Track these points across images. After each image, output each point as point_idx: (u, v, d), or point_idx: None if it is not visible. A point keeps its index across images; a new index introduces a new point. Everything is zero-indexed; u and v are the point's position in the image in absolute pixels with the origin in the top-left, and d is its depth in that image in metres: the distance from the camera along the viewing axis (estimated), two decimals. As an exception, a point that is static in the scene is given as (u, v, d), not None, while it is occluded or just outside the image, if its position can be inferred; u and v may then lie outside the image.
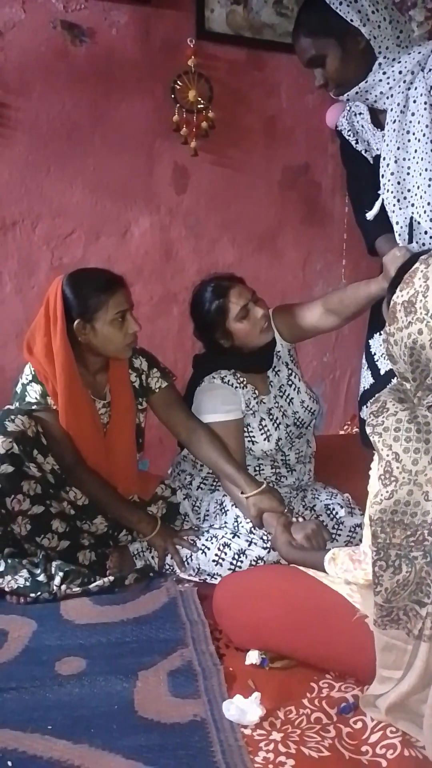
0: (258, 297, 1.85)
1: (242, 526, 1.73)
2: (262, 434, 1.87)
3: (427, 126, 1.62)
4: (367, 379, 1.94)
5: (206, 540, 1.73)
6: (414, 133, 1.65)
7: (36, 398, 1.73)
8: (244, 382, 1.87)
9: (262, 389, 1.90)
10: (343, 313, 1.83)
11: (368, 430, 1.12)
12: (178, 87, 2.34)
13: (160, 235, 2.46)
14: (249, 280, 2.28)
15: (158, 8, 2.30)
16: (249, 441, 1.88)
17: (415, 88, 1.63)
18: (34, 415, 1.71)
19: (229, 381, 1.86)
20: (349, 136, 1.84)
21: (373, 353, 1.92)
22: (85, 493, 1.78)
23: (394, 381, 1.20)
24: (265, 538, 1.68)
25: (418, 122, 1.63)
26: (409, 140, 1.66)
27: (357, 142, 1.83)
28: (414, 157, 1.66)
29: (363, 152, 1.82)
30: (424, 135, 1.62)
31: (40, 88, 2.23)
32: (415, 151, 1.65)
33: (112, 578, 1.66)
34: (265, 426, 1.87)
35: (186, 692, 1.25)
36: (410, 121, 1.65)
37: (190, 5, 2.33)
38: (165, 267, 2.48)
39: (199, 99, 2.34)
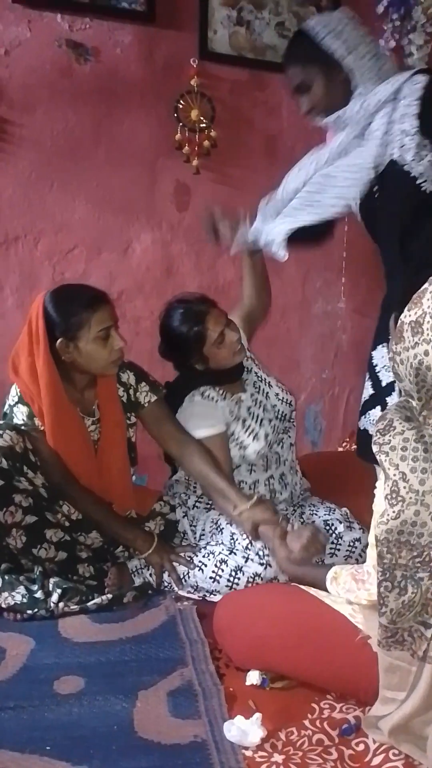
0: (230, 320, 1.88)
1: (239, 543, 1.72)
2: (249, 435, 1.88)
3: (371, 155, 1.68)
4: (367, 390, 1.96)
5: (203, 557, 1.72)
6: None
7: (23, 420, 1.71)
8: (223, 393, 1.90)
9: (238, 390, 1.95)
10: (252, 289, 2.07)
11: (375, 448, 1.12)
12: (180, 106, 2.37)
13: (161, 252, 2.47)
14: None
15: (162, 29, 2.34)
16: (240, 448, 1.88)
17: (380, 117, 1.68)
18: (22, 431, 1.69)
19: (209, 395, 1.88)
20: None
21: (375, 364, 1.94)
22: (80, 511, 1.76)
23: (399, 398, 1.20)
24: (261, 554, 1.67)
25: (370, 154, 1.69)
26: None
27: None
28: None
29: None
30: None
31: (45, 106, 2.26)
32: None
33: (110, 596, 1.65)
34: (249, 426, 1.89)
35: (186, 713, 1.23)
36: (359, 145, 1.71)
37: (194, 26, 2.37)
38: (166, 283, 2.49)
39: (202, 118, 2.37)
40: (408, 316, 1.10)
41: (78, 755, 1.12)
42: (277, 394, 1.98)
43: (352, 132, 1.71)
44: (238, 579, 1.66)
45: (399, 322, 1.12)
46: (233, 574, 1.66)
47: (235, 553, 1.69)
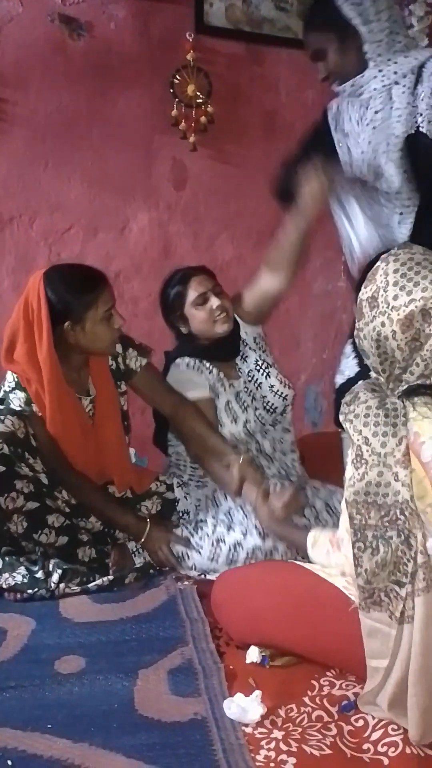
0: (221, 290, 1.91)
1: (236, 517, 1.73)
2: (228, 417, 1.89)
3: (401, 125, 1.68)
4: (353, 368, 1.97)
5: (199, 539, 1.72)
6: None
7: (20, 406, 1.69)
8: (210, 368, 1.91)
9: (231, 375, 1.95)
10: (284, 263, 1.93)
11: (341, 418, 1.19)
12: (176, 81, 2.33)
13: (158, 231, 2.45)
14: (248, 276, 2.27)
15: (157, 2, 2.30)
16: (218, 426, 1.89)
17: (402, 92, 1.68)
18: (23, 416, 1.67)
19: (191, 365, 1.90)
20: (332, 122, 1.86)
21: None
22: (76, 497, 1.75)
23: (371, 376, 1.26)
24: (259, 526, 1.68)
25: (397, 121, 1.69)
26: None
27: (335, 130, 1.84)
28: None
29: (336, 143, 1.84)
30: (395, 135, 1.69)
31: (38, 83, 2.22)
32: (387, 144, 1.72)
33: (111, 577, 1.65)
34: (232, 408, 1.90)
35: (186, 691, 1.24)
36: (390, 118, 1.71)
37: (189, -1, 2.33)
38: (164, 263, 2.47)
39: (198, 93, 2.34)
40: (365, 293, 1.18)
41: (79, 733, 1.12)
42: (272, 386, 1.96)
43: (374, 106, 1.71)
44: (237, 555, 1.67)
45: (358, 300, 1.19)
46: (231, 550, 1.68)
47: (233, 530, 1.70)
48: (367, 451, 1.14)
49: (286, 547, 1.64)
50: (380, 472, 1.13)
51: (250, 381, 1.95)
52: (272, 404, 1.95)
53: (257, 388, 1.95)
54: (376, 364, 1.19)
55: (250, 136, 2.51)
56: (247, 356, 1.98)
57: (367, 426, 1.15)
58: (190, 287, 1.87)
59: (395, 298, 1.13)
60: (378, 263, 1.18)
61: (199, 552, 1.71)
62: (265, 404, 1.94)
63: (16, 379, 1.70)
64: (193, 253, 2.50)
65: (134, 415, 2.00)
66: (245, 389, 1.94)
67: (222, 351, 1.93)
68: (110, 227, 2.39)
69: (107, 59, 2.29)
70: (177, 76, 2.33)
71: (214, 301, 1.86)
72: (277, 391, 1.95)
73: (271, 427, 1.97)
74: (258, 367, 1.97)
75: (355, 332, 1.21)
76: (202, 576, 1.71)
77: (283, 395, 1.96)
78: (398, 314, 1.12)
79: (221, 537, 1.70)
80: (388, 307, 1.14)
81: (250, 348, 1.99)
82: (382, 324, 1.15)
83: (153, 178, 2.41)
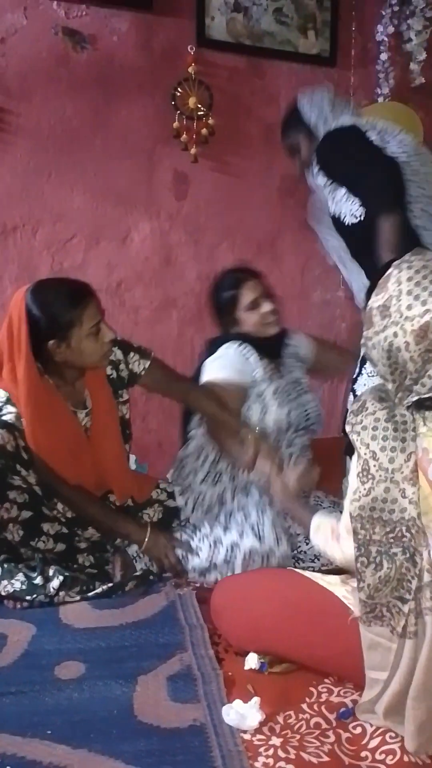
0: (271, 293, 2.03)
1: (234, 519, 1.76)
2: (276, 399, 1.95)
3: None
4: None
5: (198, 541, 1.74)
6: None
7: (11, 420, 1.65)
8: (261, 359, 1.97)
9: (275, 372, 2.02)
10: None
11: (348, 428, 1.16)
12: (178, 94, 2.36)
13: (160, 241, 2.47)
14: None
15: (159, 16, 2.33)
16: (262, 409, 1.93)
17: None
18: (13, 428, 1.63)
19: (244, 351, 1.96)
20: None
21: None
22: (72, 511, 1.73)
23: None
24: (255, 528, 1.70)
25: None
26: None
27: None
28: None
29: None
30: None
31: (42, 94, 2.25)
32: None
33: (110, 584, 1.65)
34: (280, 395, 1.96)
35: (185, 697, 1.24)
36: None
37: (191, 13, 2.36)
38: (165, 272, 2.49)
39: (199, 106, 2.37)
40: (375, 301, 1.13)
41: (78, 739, 1.13)
42: (311, 400, 2.06)
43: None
44: (234, 556, 1.68)
45: (367, 308, 1.15)
46: (228, 551, 1.69)
47: (230, 530, 1.71)
48: (374, 466, 1.10)
49: (293, 521, 1.65)
50: (387, 488, 1.10)
51: (293, 387, 2.03)
52: (309, 414, 2.03)
53: (299, 395, 2.03)
54: (385, 373, 1.14)
55: (251, 148, 2.53)
56: (292, 370, 2.07)
57: (375, 440, 1.11)
58: (243, 292, 1.97)
59: (409, 307, 1.07)
60: (391, 270, 1.13)
61: (198, 554, 1.71)
62: (306, 410, 2.02)
63: (7, 395, 1.67)
64: (193, 262, 2.53)
65: (134, 421, 2.00)
66: (286, 390, 2.00)
67: (266, 349, 2.00)
68: (112, 237, 2.41)
69: (110, 71, 2.32)
70: (178, 89, 2.36)
71: (266, 306, 1.97)
72: (315, 407, 2.07)
73: (303, 431, 2.01)
74: (300, 382, 2.08)
75: (363, 340, 1.16)
76: (202, 581, 1.71)
77: (318, 412, 2.07)
78: (412, 325, 1.07)
79: (218, 538, 1.71)
80: (401, 317, 1.08)
81: (293, 358, 2.10)
82: (395, 334, 1.09)
83: (154, 188, 2.44)
